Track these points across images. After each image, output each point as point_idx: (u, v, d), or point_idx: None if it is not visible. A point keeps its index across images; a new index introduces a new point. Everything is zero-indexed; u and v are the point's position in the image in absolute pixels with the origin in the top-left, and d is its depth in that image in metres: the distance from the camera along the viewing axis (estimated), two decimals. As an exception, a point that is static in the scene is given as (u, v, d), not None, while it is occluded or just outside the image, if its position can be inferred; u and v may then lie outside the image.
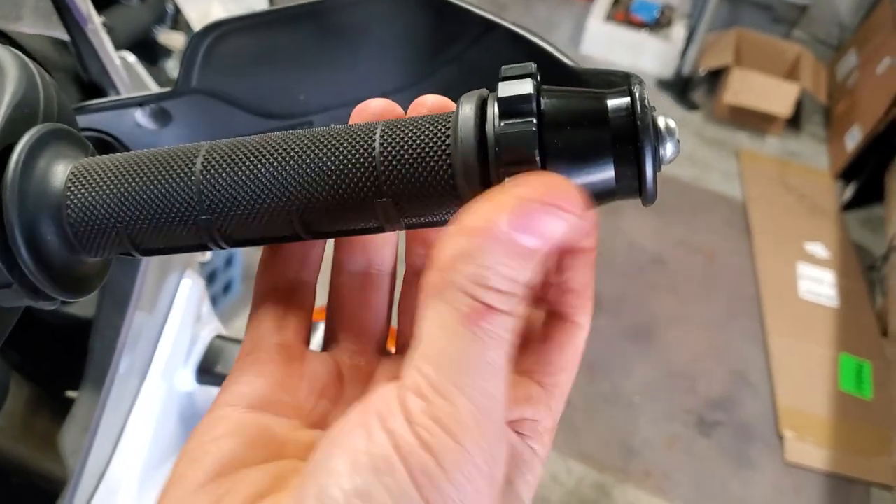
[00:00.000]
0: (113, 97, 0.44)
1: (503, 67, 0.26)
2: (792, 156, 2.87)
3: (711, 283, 2.29)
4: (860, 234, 2.56)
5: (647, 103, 0.25)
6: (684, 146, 2.79)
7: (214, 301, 1.73)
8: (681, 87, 2.99)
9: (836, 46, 3.35)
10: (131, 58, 0.61)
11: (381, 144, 0.26)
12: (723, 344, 2.11)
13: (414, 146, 0.26)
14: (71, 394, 0.63)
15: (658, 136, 0.25)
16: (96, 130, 0.44)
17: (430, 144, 0.25)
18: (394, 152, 0.26)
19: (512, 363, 0.23)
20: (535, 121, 0.24)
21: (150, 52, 1.33)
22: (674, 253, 2.35)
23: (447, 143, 0.25)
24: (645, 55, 3.08)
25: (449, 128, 0.25)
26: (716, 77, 2.97)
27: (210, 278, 1.69)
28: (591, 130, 0.25)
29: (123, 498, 0.64)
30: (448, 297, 0.22)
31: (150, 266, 0.63)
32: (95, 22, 0.53)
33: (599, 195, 0.25)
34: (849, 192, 2.65)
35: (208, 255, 0.98)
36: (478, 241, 0.22)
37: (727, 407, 1.96)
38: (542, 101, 0.25)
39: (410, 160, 0.25)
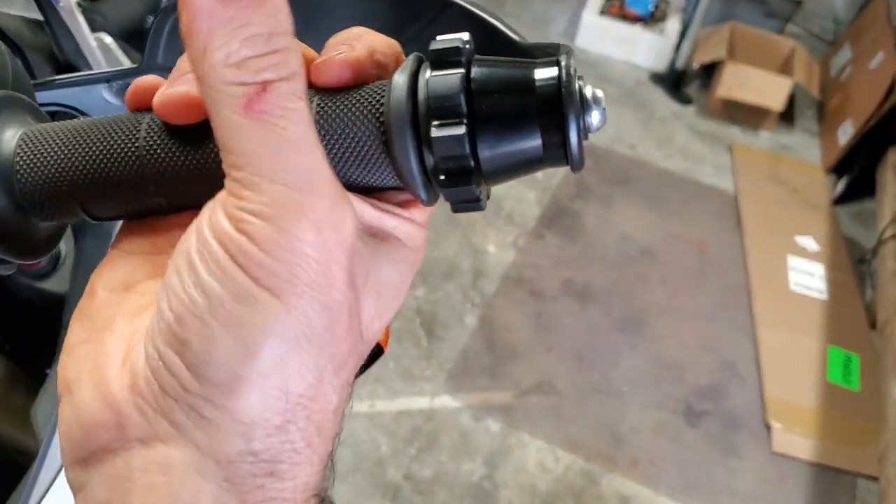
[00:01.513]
0: (80, 73, 0.45)
1: (436, 37, 0.26)
2: (784, 150, 2.87)
3: (702, 275, 2.30)
4: (851, 227, 2.57)
5: (572, 72, 0.25)
6: (678, 140, 2.80)
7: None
8: (674, 81, 2.99)
9: (830, 41, 3.35)
10: (108, 39, 0.62)
11: (318, 113, 0.27)
12: (712, 335, 2.12)
13: (350, 113, 0.26)
14: (51, 371, 0.64)
15: (584, 105, 0.26)
16: (63, 105, 0.45)
17: (365, 109, 0.26)
18: (330, 119, 0.27)
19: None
20: (462, 72, 0.25)
21: (143, 42, 1.33)
22: (665, 245, 2.36)
23: (381, 109, 0.26)
24: (639, 49, 3.08)
25: (384, 94, 0.26)
26: (709, 71, 2.98)
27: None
28: (518, 98, 0.25)
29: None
30: (219, 97, 0.21)
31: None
32: (69, 1, 0.53)
33: (529, 162, 0.26)
34: (840, 186, 2.65)
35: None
36: (200, 24, 0.21)
37: (715, 397, 1.97)
38: (473, 68, 0.26)
39: (347, 125, 0.26)
